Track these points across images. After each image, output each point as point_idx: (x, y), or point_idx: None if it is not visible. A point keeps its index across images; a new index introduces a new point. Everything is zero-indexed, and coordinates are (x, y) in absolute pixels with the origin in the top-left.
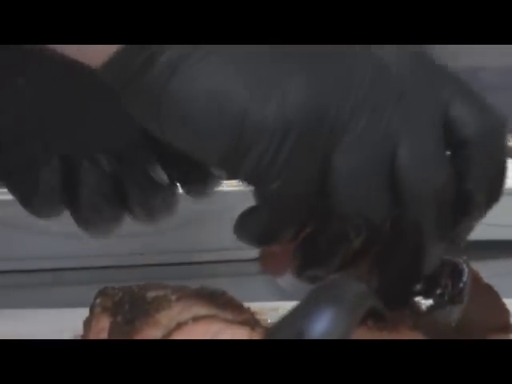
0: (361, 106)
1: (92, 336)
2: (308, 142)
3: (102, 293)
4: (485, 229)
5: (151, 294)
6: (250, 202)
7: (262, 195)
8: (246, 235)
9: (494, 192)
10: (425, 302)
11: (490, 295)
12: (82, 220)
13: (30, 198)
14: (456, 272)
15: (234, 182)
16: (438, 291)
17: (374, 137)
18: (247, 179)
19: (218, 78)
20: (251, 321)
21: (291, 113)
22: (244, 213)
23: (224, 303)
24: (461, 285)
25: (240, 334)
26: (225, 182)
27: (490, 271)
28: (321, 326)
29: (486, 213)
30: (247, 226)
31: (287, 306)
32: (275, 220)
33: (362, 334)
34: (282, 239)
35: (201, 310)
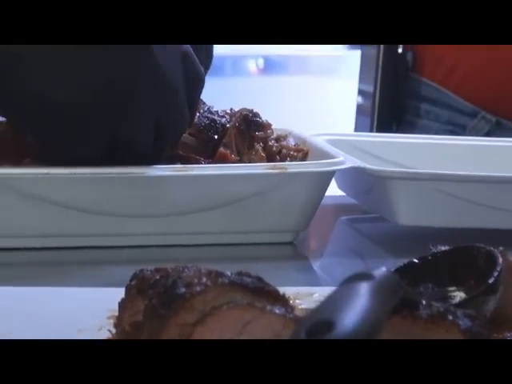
0: None
1: (127, 318)
2: None
3: (137, 275)
4: None
5: (187, 278)
6: (289, 185)
7: None
8: None
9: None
10: (458, 294)
11: None
12: None
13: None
14: (490, 262)
15: (272, 164)
16: (472, 281)
17: None
18: None
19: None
20: (286, 309)
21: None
22: None
23: (259, 290)
24: (495, 274)
25: (274, 322)
26: (264, 164)
27: None
28: (351, 318)
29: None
30: None
31: (322, 291)
32: None
33: (396, 323)
34: None
35: (236, 295)
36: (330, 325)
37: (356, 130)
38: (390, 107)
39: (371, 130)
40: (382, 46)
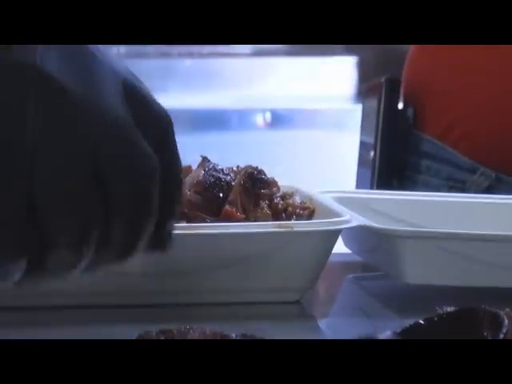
0: None
1: None
2: None
3: (142, 337)
4: None
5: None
6: (296, 243)
7: None
8: None
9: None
10: None
11: None
12: None
13: None
14: (496, 324)
15: (278, 223)
16: None
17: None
18: None
19: None
20: None
21: None
22: None
23: None
24: (501, 337)
25: None
26: (270, 223)
27: None
28: None
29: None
30: None
31: None
32: None
33: None
34: None
35: None
36: None
37: (357, 186)
38: (391, 164)
39: (371, 187)
40: (382, 101)
